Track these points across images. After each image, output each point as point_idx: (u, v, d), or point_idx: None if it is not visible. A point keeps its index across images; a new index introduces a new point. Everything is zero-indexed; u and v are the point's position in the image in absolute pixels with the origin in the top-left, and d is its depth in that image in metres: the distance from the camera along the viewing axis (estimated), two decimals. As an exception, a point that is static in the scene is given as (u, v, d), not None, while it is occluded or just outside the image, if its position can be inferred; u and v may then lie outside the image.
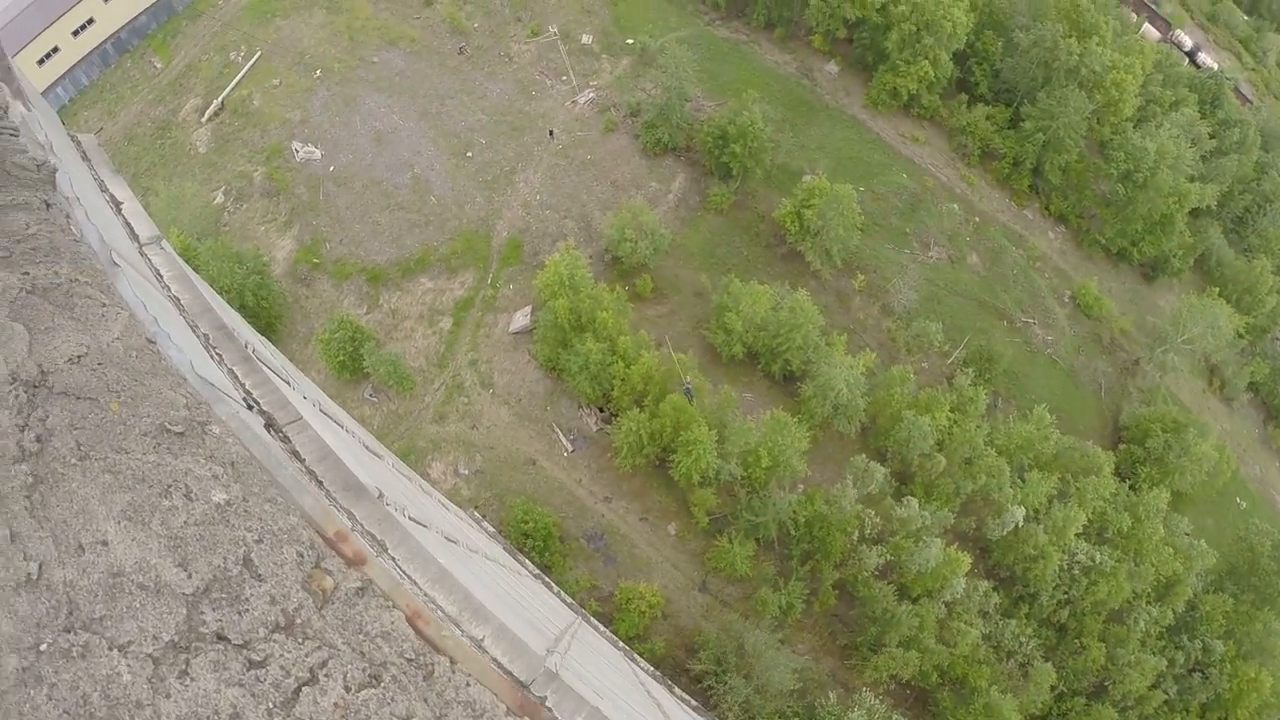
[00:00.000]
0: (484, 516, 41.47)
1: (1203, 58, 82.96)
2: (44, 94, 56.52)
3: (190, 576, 2.08)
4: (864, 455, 44.26)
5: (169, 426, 2.17)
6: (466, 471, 45.17)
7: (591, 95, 56.67)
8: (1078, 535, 44.68)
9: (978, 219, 57.87)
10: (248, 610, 2.09)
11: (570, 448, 45.46)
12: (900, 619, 40.41)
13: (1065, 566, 44.49)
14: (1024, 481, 45.62)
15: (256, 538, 2.16)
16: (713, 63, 59.06)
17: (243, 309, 43.34)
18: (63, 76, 63.64)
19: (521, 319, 47.72)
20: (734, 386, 46.00)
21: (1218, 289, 58.37)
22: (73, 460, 1.90)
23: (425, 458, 45.52)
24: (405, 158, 52.68)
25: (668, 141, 53.25)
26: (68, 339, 2.21)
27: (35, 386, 2.05)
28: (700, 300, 49.96)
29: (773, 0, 61.69)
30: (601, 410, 45.94)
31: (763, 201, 53.57)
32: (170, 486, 2.07)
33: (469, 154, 53.02)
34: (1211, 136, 63.79)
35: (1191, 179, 58.28)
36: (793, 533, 42.41)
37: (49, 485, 1.86)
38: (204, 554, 2.12)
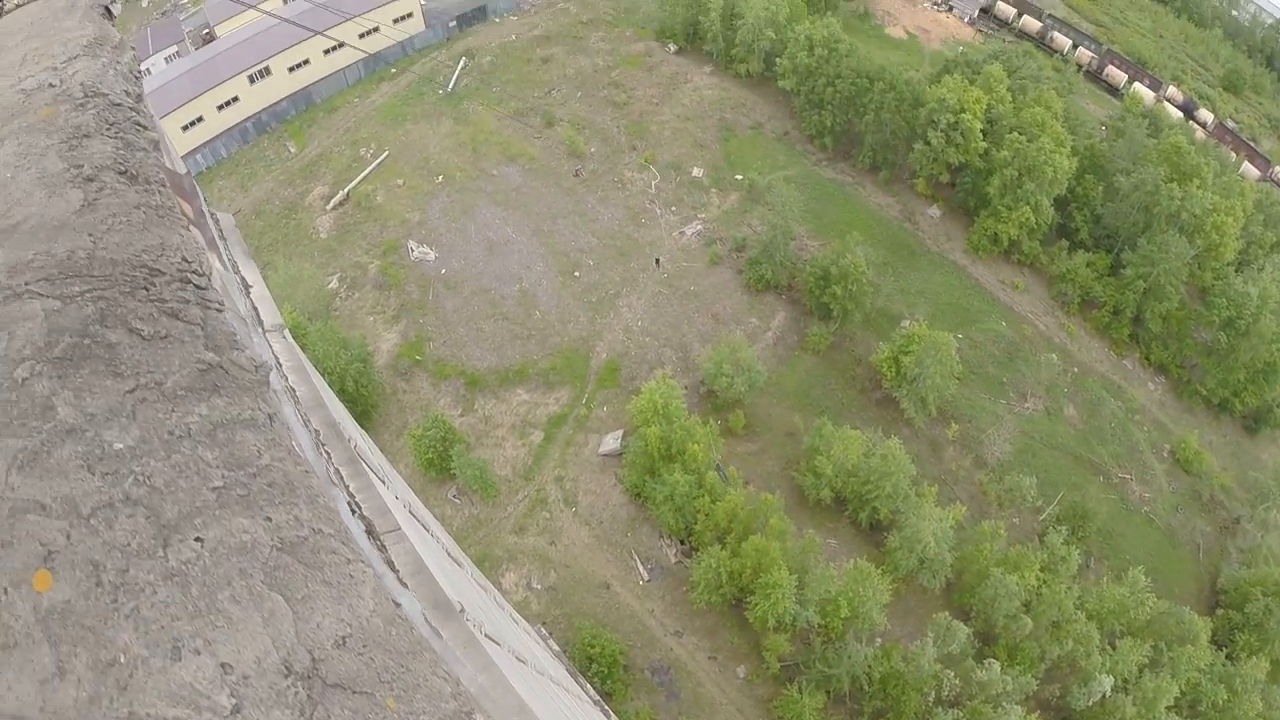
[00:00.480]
0: (550, 634, 40.97)
1: None
2: (185, 157, 60.54)
3: None
4: (947, 613, 42.76)
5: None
6: (539, 586, 44.83)
7: (699, 227, 58.03)
8: (1169, 708, 41.76)
9: (1076, 369, 56.78)
10: None
11: (646, 576, 44.89)
12: None
13: None
14: (1114, 649, 43.19)
15: None
16: (818, 202, 60.17)
17: (342, 393, 44.53)
18: (204, 145, 67.99)
19: (612, 442, 47.97)
20: (818, 531, 45.20)
21: (1324, 442, 55.45)
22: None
23: (500, 567, 45.38)
24: (515, 270, 54.41)
25: (770, 279, 53.94)
26: (327, 613, 1.98)
27: (309, 678, 1.83)
28: (791, 440, 49.61)
29: (878, 144, 62.80)
30: (682, 543, 45.42)
31: (860, 344, 53.49)
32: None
33: (576, 274, 54.54)
34: (1319, 279, 61.99)
35: None
36: (866, 688, 40.72)
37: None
38: None
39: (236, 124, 70.02)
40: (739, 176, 61.86)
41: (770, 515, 42.99)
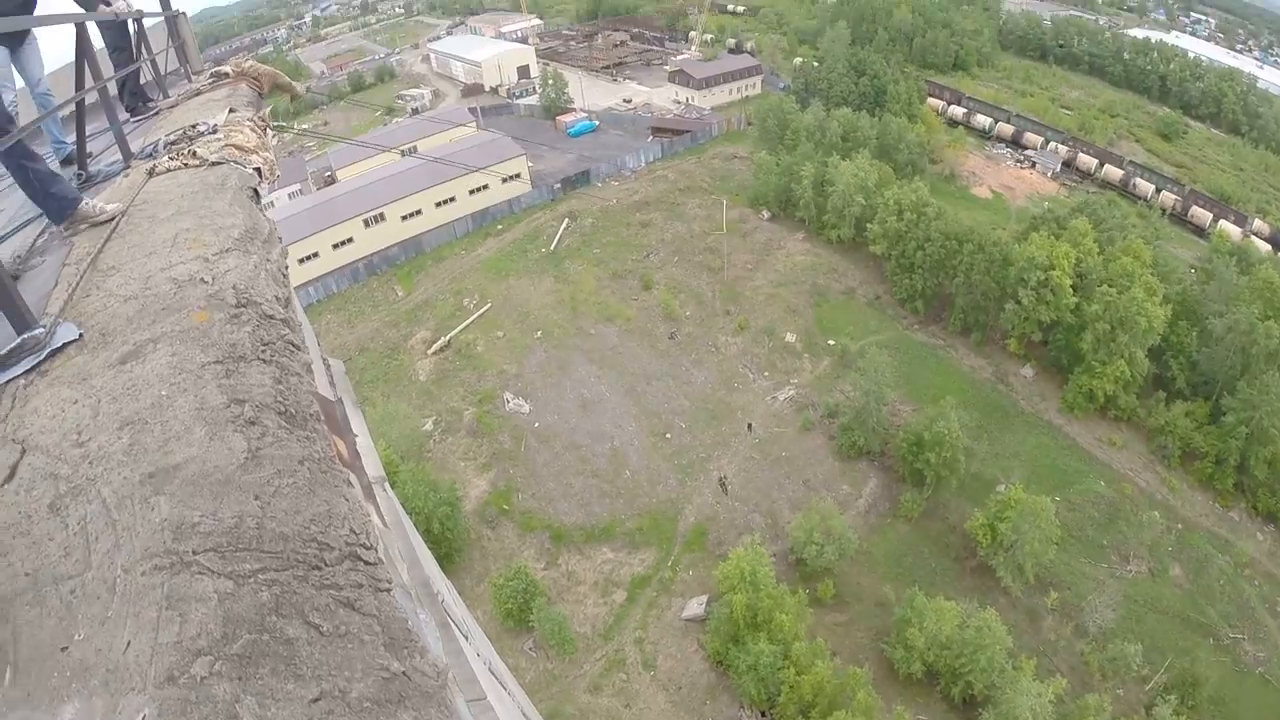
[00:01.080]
0: None
1: None
2: (296, 290, 64.48)
3: None
4: None
5: None
6: (612, 751, 43.52)
7: (791, 393, 58.60)
8: None
9: (1180, 526, 53.65)
10: None
11: (725, 749, 43.16)
12: None
13: None
14: None
15: None
16: (910, 367, 60.26)
17: (428, 534, 45.18)
18: (317, 279, 72.36)
19: (696, 606, 47.16)
20: (909, 707, 42.74)
21: None
22: None
23: (571, 725, 44.35)
24: (607, 428, 55.58)
25: (863, 445, 53.61)
26: None
27: None
28: (881, 611, 47.84)
29: (969, 305, 63.03)
30: (764, 715, 43.50)
31: (955, 511, 52.05)
32: None
33: (668, 435, 55.34)
34: None
35: None
36: None
37: None
38: None
39: (349, 263, 74.84)
40: (831, 342, 62.67)
41: (858, 689, 40.91)
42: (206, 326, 2.97)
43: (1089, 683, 46.43)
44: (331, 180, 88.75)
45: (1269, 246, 79.73)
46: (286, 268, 4.09)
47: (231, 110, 6.57)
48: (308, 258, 72.92)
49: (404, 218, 78.60)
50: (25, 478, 2.42)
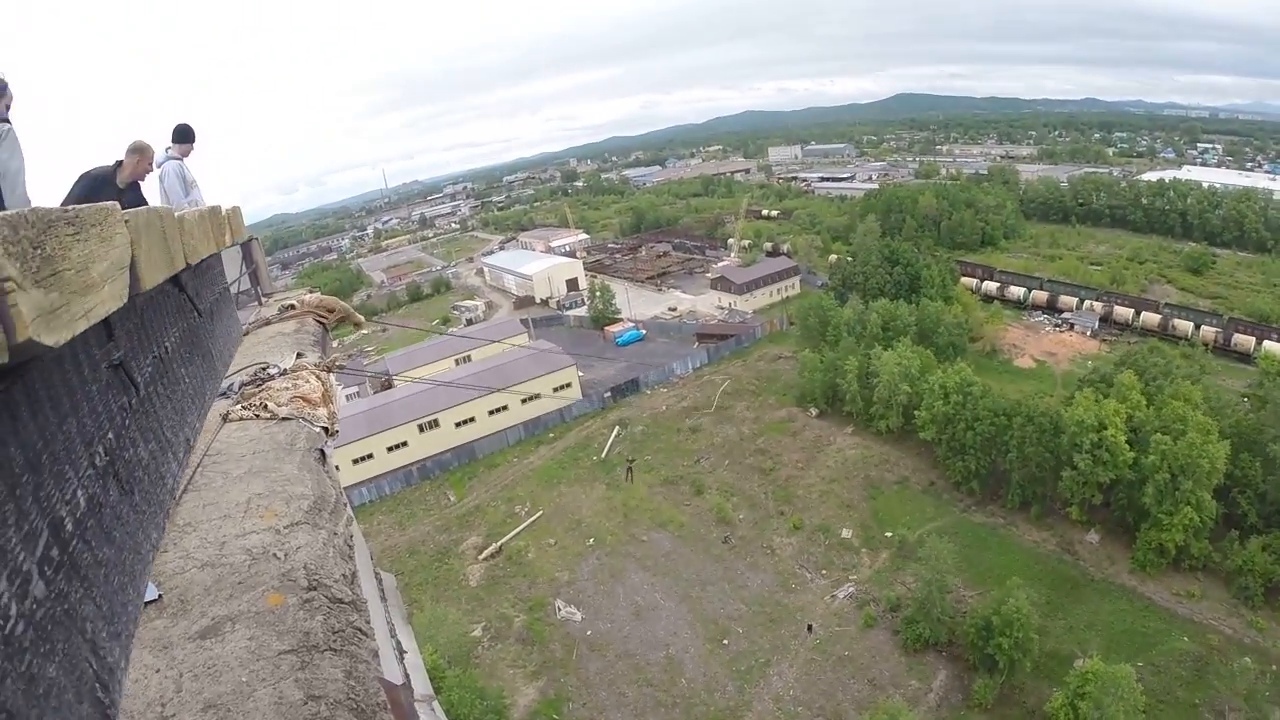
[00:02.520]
0: None
1: None
2: (349, 488, 65.61)
3: None
4: None
5: None
6: None
7: (851, 590, 56.92)
8: None
9: (1275, 667, 48.17)
10: None
11: None
12: None
13: None
14: None
15: None
16: (971, 549, 58.39)
17: None
18: (370, 480, 74.04)
19: (766, 828, 43.85)
20: None
21: None
22: None
23: None
24: (661, 636, 54.20)
25: (928, 636, 51.17)
26: None
27: None
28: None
29: (1025, 479, 61.57)
30: None
31: (1031, 694, 48.35)
32: None
33: (725, 641, 53.65)
34: None
35: None
36: None
37: None
38: None
39: (402, 466, 76.86)
40: (889, 534, 61.41)
41: None
42: (281, 611, 3.07)
43: None
44: (388, 385, 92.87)
45: None
46: (352, 538, 4.16)
47: (299, 355, 6.79)
48: (362, 459, 75.55)
49: (458, 424, 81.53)
50: (112, 747, 2.87)
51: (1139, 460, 56.38)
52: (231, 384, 5.93)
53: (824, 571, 59.18)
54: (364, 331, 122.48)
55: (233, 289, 9.49)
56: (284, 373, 6.05)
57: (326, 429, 5.24)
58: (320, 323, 8.77)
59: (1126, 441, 56.99)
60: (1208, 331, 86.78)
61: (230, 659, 2.85)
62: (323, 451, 4.84)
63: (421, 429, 79.93)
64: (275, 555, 3.47)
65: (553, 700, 51.68)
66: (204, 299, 5.42)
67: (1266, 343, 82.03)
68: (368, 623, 3.45)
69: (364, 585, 4.96)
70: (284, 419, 5.16)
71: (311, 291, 9.78)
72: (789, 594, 57.49)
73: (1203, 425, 55.14)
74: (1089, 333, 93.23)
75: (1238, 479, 56.79)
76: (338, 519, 4.02)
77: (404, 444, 78.68)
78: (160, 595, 3.17)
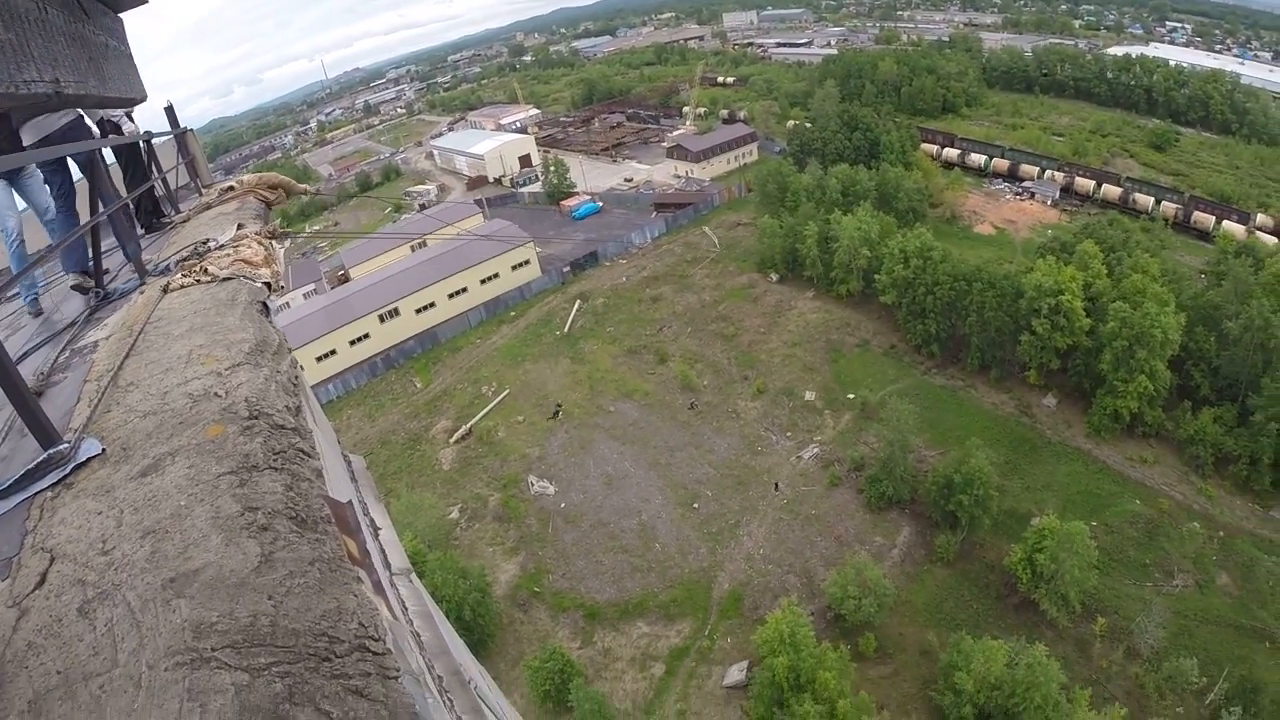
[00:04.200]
0: None
1: None
2: (316, 387, 65.23)
3: None
4: None
5: None
6: (662, 830, 42.20)
7: (815, 450, 58.38)
8: None
9: (1221, 533, 51.97)
10: None
11: (777, 817, 41.63)
12: None
13: None
14: None
15: None
16: (932, 411, 59.94)
17: (459, 623, 44.83)
18: (336, 376, 73.59)
19: (737, 673, 46.24)
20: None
21: None
22: None
23: (617, 807, 43.19)
24: (633, 503, 55.49)
25: (891, 494, 53.07)
26: None
27: None
28: (926, 659, 46.56)
29: (984, 342, 62.88)
30: (817, 779, 42.25)
31: (990, 550, 51.08)
32: None
33: (695, 505, 55.13)
34: None
35: None
36: None
37: None
38: None
39: (366, 358, 76.31)
40: (851, 395, 62.64)
41: (909, 744, 39.99)
42: (221, 439, 3.14)
43: (1147, 705, 44.85)
44: (345, 279, 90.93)
45: (1275, 239, 79.11)
46: (297, 377, 4.19)
47: (240, 226, 6.79)
48: (325, 355, 74.49)
49: (418, 311, 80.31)
50: (54, 584, 2.63)
51: (1096, 328, 57.84)
52: (169, 260, 6.01)
53: (789, 434, 60.55)
54: (315, 228, 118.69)
55: (171, 181, 9.51)
56: (224, 246, 6.07)
57: (269, 285, 5.26)
58: (263, 200, 8.60)
59: (1084, 309, 58.25)
60: (1168, 207, 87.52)
61: (169, 488, 2.90)
62: (265, 305, 4.89)
63: (382, 319, 78.59)
64: (217, 394, 3.50)
65: (533, 574, 53.07)
66: None
67: (1226, 222, 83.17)
68: (313, 448, 3.47)
69: (328, 451, 5.17)
70: (225, 279, 5.20)
71: (251, 172, 9.76)
72: (755, 456, 58.92)
73: (1160, 297, 56.28)
74: (1049, 202, 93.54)
75: (1192, 352, 58.65)
76: (280, 359, 4.03)
77: (366, 336, 77.52)
78: (104, 449, 3.27)
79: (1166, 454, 57.36)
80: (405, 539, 52.53)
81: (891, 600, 47.32)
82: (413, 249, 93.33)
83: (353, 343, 76.78)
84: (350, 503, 3.98)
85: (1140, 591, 49.53)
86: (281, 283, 5.68)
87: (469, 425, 64.92)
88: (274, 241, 6.50)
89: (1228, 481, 55.27)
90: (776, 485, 55.71)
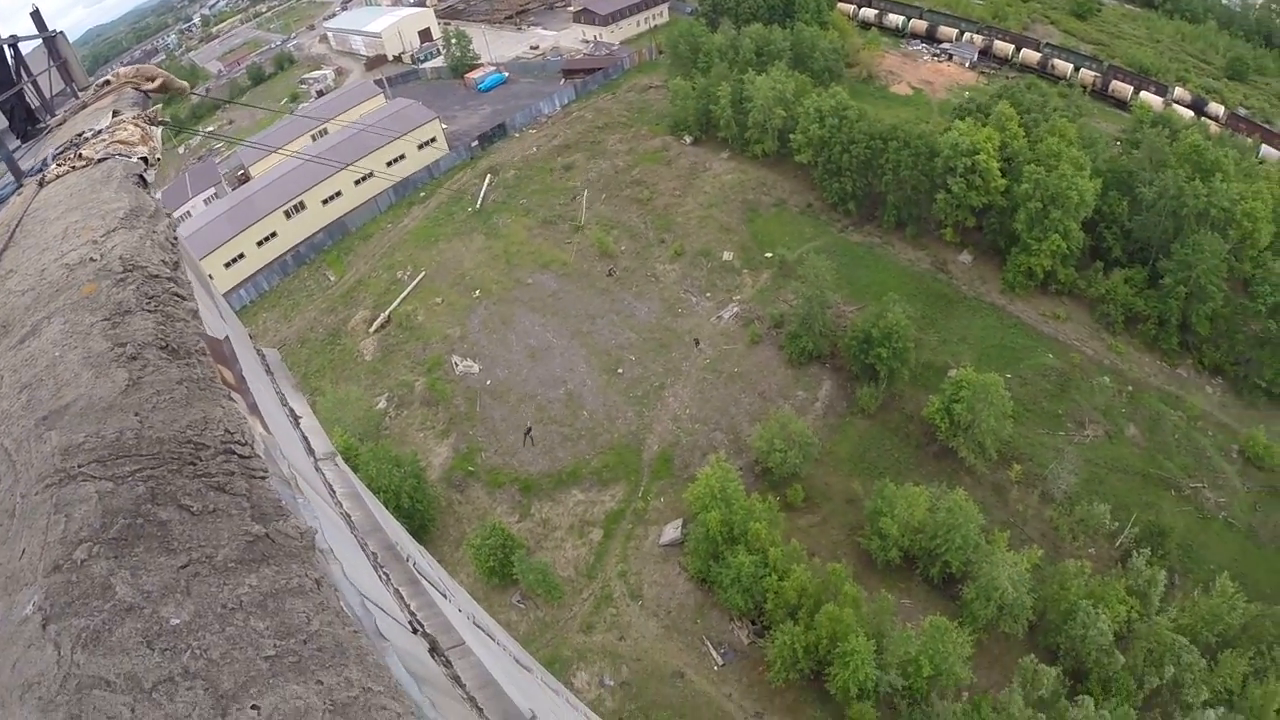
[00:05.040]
0: None
1: None
2: (228, 294, 62.93)
3: None
4: (1032, 656, 40.80)
5: None
6: (612, 683, 43.76)
7: (736, 309, 58.69)
8: (1278, 711, 38.87)
9: (1130, 388, 55.35)
10: None
11: (720, 661, 43.69)
12: None
13: None
14: (1213, 664, 40.53)
15: None
16: (849, 268, 60.64)
17: (398, 511, 45.02)
18: (247, 280, 70.83)
19: (672, 531, 47.67)
20: (891, 593, 43.85)
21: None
22: None
23: (570, 667, 44.53)
24: (558, 374, 55.34)
25: (812, 350, 54.04)
26: None
27: None
28: (852, 507, 48.81)
29: (900, 201, 63.40)
30: (754, 623, 44.32)
31: (910, 401, 52.97)
32: None
33: (619, 370, 55.26)
34: (1360, 240, 59.79)
35: None
36: None
37: None
38: None
39: (276, 258, 73.30)
40: (769, 254, 62.74)
41: (841, 584, 42.00)
42: (95, 294, 3.22)
43: (1061, 547, 48.06)
44: (246, 178, 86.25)
45: (1191, 113, 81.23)
46: (175, 237, 4.21)
47: (116, 113, 6.64)
48: (233, 260, 71.29)
49: (324, 202, 76.85)
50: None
51: (1011, 188, 58.58)
52: (45, 158, 5.98)
53: (708, 294, 60.77)
54: (209, 129, 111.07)
55: (46, 89, 9.39)
56: (99, 133, 5.99)
57: (145, 159, 5.26)
58: (139, 92, 8.34)
59: (1000, 169, 58.74)
60: (1087, 75, 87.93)
61: (45, 345, 3.01)
62: (143, 177, 4.92)
63: (288, 215, 74.81)
64: (92, 259, 3.57)
65: (465, 454, 53.03)
66: None
67: (1143, 93, 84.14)
68: (190, 293, 3.57)
69: (244, 358, 5.28)
70: (101, 160, 5.20)
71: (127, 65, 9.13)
72: (676, 318, 59.14)
73: (1076, 160, 57.17)
74: (967, 64, 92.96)
75: (1106, 215, 60.17)
76: (156, 221, 4.09)
77: (273, 235, 73.85)
78: None
79: (1078, 311, 59.68)
80: (335, 435, 51.75)
81: (816, 451, 48.98)
82: (314, 138, 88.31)
83: (260, 243, 73.31)
84: (227, 338, 4.06)
85: (1053, 440, 52.33)
86: (159, 156, 5.68)
87: (387, 312, 63.35)
88: (151, 125, 6.45)
89: (1137, 339, 58.10)
90: (697, 342, 56.19)
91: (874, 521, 45.21)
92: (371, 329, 62.67)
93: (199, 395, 2.80)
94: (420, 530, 48.06)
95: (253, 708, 2.11)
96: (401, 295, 64.23)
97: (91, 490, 2.36)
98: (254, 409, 3.94)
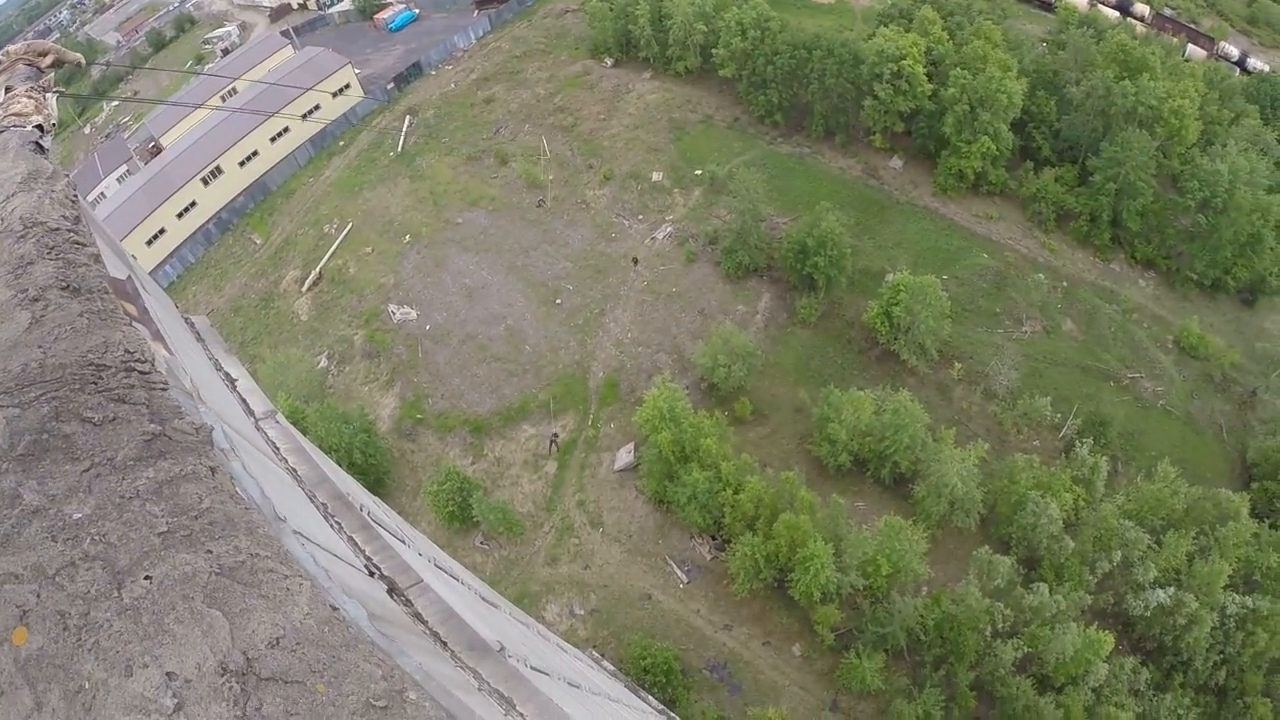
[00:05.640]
0: (603, 656, 40.52)
1: (1253, 63, 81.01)
2: (152, 273, 60.87)
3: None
4: (986, 547, 42.19)
5: (373, 702, 2.23)
6: (582, 612, 44.44)
7: (669, 229, 58.21)
8: (1225, 588, 41.15)
9: (1065, 284, 56.59)
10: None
11: (685, 579, 44.52)
12: (1044, 714, 37.24)
13: (1217, 624, 40.73)
14: (1159, 545, 42.48)
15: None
16: (781, 179, 60.31)
17: (352, 467, 44.52)
18: (170, 255, 68.55)
19: (625, 456, 47.87)
20: (844, 496, 44.75)
21: (1326, 297, 54.63)
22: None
23: (540, 601, 45.01)
24: (497, 311, 54.61)
25: (748, 263, 53.98)
26: (262, 620, 2.27)
27: (244, 675, 2.13)
28: (800, 416, 49.37)
29: (828, 110, 62.96)
30: (714, 538, 45.10)
31: (849, 308, 53.42)
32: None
33: (558, 301, 54.70)
34: (1280, 140, 61.76)
35: (1271, 190, 55.91)
36: (922, 638, 40.12)
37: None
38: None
39: (199, 228, 70.81)
40: (698, 172, 62.10)
41: (795, 491, 42.69)
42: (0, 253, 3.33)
43: (1007, 441, 49.43)
44: (157, 150, 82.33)
45: (1117, 13, 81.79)
46: (74, 196, 4.32)
47: (8, 89, 6.59)
48: (155, 236, 68.68)
49: (242, 164, 73.93)
50: None
51: (939, 92, 58.47)
52: None
53: (640, 216, 60.20)
54: (114, 103, 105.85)
55: None
56: None
57: (40, 127, 5.30)
58: (32, 65, 7.63)
59: (926, 74, 58.48)
60: None
61: None
62: (39, 144, 4.96)
63: (206, 182, 71.76)
64: None
65: (412, 402, 52.40)
66: None
67: None
68: (91, 240, 3.77)
69: (170, 326, 5.39)
70: None
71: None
72: (610, 243, 58.59)
73: (1003, 62, 57.09)
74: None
75: (1034, 115, 60.59)
76: (54, 182, 4.22)
77: (193, 204, 70.90)
78: None
79: (1011, 211, 60.32)
80: (280, 399, 50.55)
81: (760, 364, 49.33)
82: (224, 99, 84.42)
83: (180, 215, 70.47)
84: (130, 278, 4.28)
85: (993, 338, 53.35)
86: (54, 121, 5.79)
87: (318, 269, 61.75)
88: (46, 94, 6.45)
89: (1069, 236, 59.07)
90: (635, 260, 55.83)
91: (822, 428, 45.84)
92: (304, 288, 61.12)
93: (100, 324, 3.06)
94: (376, 485, 47.53)
95: (145, 578, 2.41)
96: (331, 249, 62.55)
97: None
98: (158, 336, 4.20)
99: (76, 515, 2.53)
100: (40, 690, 2.20)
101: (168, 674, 2.21)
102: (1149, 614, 41.20)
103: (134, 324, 3.44)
